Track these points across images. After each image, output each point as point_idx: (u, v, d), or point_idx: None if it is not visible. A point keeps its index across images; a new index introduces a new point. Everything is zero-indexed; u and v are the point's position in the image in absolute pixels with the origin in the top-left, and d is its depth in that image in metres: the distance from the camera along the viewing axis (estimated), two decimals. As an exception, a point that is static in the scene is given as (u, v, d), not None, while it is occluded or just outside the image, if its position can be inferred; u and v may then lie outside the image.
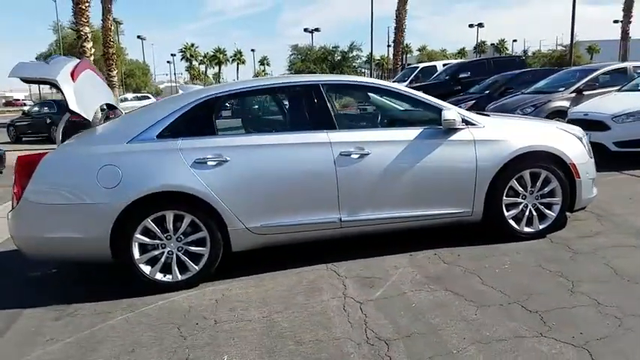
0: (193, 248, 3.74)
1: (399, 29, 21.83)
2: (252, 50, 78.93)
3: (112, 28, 19.26)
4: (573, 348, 2.60)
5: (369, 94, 4.55)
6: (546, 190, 4.21)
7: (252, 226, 3.79)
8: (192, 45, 78.96)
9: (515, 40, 77.16)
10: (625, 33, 24.02)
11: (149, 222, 3.64)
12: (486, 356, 2.58)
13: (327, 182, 3.85)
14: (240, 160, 3.74)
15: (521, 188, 4.17)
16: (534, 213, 4.23)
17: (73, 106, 3.69)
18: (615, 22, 55.94)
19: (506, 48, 75.56)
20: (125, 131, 3.78)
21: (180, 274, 3.74)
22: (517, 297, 3.21)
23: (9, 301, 3.79)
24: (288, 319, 3.16)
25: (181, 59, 79.11)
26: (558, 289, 3.29)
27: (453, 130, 4.01)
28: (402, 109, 4.47)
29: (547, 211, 4.25)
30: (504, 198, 4.14)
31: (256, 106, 4.25)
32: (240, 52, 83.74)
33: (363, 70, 40.55)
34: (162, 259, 3.71)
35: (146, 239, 3.67)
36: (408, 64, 34.93)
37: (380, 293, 3.42)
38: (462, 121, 4.02)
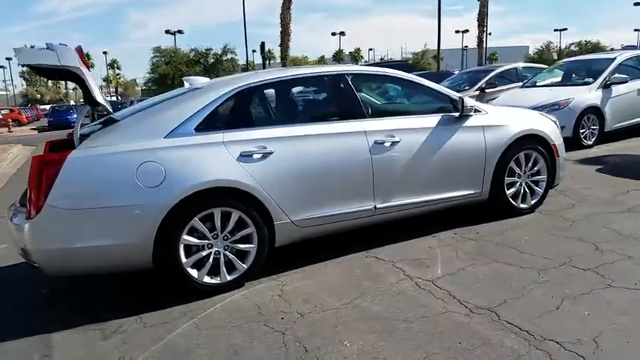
0: (241, 246, 3.55)
1: (285, 32, 22.14)
2: (105, 53, 73.35)
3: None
4: (645, 293, 3.02)
5: (388, 83, 4.70)
6: (535, 169, 4.73)
7: (296, 219, 3.71)
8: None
9: (371, 49, 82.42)
10: (480, 40, 27.21)
11: (197, 221, 3.38)
12: (587, 308, 2.87)
13: (364, 171, 3.92)
14: (284, 152, 3.64)
15: (517, 168, 4.63)
16: (527, 190, 4.73)
17: (99, 97, 3.29)
18: (457, 32, 62.62)
19: (362, 56, 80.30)
20: (158, 125, 3.45)
21: (228, 274, 3.53)
22: (561, 260, 3.58)
23: (24, 326, 3.25)
24: (374, 302, 3.17)
25: (19, 64, 70.72)
26: (588, 250, 3.74)
27: (465, 116, 4.33)
28: (416, 97, 4.69)
29: (536, 188, 4.77)
30: (506, 178, 4.56)
31: (291, 96, 4.14)
32: (87, 56, 77.46)
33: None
34: (210, 260, 3.47)
35: (194, 240, 3.40)
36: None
37: (441, 271, 3.57)
38: (472, 109, 4.36)
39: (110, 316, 3.29)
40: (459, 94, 4.43)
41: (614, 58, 8.47)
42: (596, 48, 52.79)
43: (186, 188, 3.30)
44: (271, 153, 3.59)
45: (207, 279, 3.47)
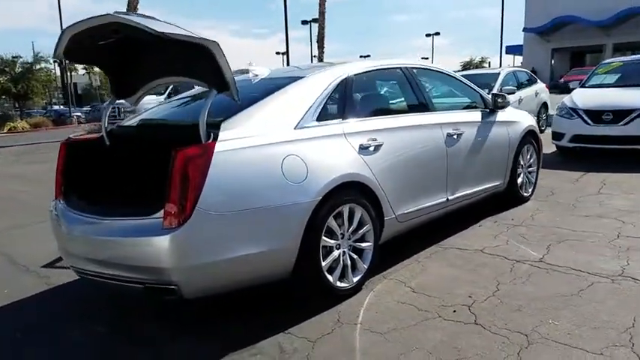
0: (363, 245, 3.30)
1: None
2: None
3: None
4: None
5: (437, 80, 4.76)
6: (531, 160, 5.31)
7: (399, 214, 3.59)
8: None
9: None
10: (320, 60, 28.61)
11: (332, 219, 3.05)
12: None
13: (442, 162, 3.97)
14: (391, 144, 3.50)
15: (522, 160, 5.14)
16: (527, 180, 5.27)
17: (234, 84, 2.74)
18: (277, 53, 65.00)
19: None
20: (284, 116, 3.03)
21: (353, 276, 3.24)
22: (613, 233, 4.09)
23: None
24: (520, 286, 3.21)
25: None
26: (620, 224, 4.32)
27: (494, 112, 4.68)
28: (458, 92, 4.85)
29: (531, 178, 5.35)
30: (517, 170, 5.03)
31: (382, 87, 3.93)
32: None
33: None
34: (341, 262, 3.15)
35: (330, 241, 3.06)
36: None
37: (536, 252, 3.76)
38: (495, 105, 4.75)
39: (248, 339, 2.75)
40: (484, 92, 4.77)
41: (499, 73, 9.87)
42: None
43: (328, 182, 2.96)
44: (381, 145, 3.42)
45: (339, 283, 3.14)
